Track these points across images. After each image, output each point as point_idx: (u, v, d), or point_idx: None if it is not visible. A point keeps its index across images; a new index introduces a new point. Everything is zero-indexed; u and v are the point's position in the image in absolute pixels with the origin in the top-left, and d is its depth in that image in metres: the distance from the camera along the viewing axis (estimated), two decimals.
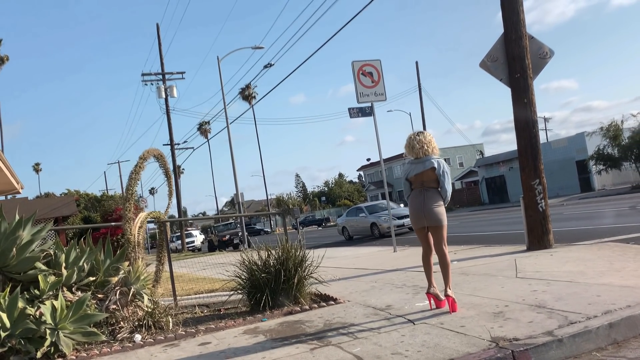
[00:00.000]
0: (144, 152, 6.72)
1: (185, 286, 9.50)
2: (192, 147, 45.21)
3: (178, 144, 39.70)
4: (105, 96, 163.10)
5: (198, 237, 47.76)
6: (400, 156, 66.16)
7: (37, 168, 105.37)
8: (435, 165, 5.30)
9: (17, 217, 5.74)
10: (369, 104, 12.93)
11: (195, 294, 8.28)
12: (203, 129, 70.28)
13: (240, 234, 33.05)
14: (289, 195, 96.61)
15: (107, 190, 69.85)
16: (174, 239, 43.01)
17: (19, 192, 22.02)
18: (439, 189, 5.35)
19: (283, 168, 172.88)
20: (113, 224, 13.12)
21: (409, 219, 18.85)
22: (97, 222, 28.38)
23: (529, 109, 9.21)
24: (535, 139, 9.27)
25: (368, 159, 76.68)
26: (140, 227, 6.29)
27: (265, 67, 23.28)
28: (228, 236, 34.27)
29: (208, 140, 69.53)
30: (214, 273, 12.03)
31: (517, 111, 9.32)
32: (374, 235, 21.34)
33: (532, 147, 9.23)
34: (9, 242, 5.48)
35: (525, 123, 9.26)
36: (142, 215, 6.51)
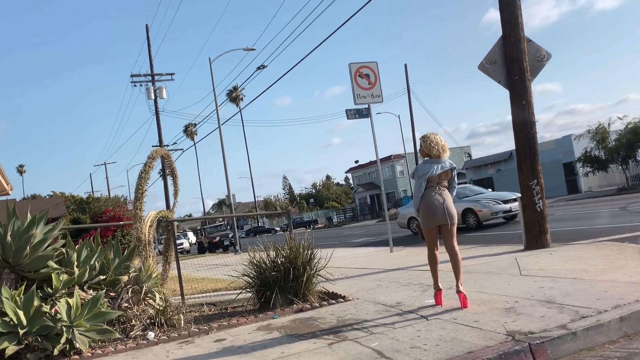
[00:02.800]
0: (152, 152, 6.77)
1: (188, 286, 9.52)
2: (182, 149, 45.15)
3: (167, 146, 39.61)
4: (93, 98, 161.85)
5: (191, 239, 47.69)
6: (389, 158, 66.44)
7: (21, 170, 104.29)
8: (455, 166, 5.60)
9: (30, 216, 5.76)
10: (366, 106, 13.05)
11: (199, 293, 8.32)
12: (189, 131, 70.01)
13: (230, 235, 32.99)
14: (276, 197, 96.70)
15: (92, 192, 69.29)
16: (162, 241, 42.83)
17: (8, 194, 21.84)
18: (449, 189, 5.54)
19: (269, 170, 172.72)
20: (122, 222, 13.09)
21: (516, 204, 15.70)
22: (86, 224, 28.18)
23: (527, 111, 9.38)
24: (533, 140, 9.44)
25: (356, 161, 76.99)
26: (150, 226, 6.33)
27: (259, 68, 23.34)
28: (218, 238, 34.18)
29: (195, 144, 69.31)
30: (212, 274, 12.08)
31: (516, 113, 9.48)
32: (468, 226, 17.27)
33: (530, 148, 9.40)
34: (23, 241, 5.49)
35: (524, 124, 9.42)
36: (152, 213, 6.56)
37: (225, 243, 33.43)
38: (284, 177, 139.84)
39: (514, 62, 9.39)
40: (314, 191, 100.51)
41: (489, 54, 9.66)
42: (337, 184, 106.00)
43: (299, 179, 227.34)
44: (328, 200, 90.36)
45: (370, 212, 65.93)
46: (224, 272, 11.82)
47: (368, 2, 13.45)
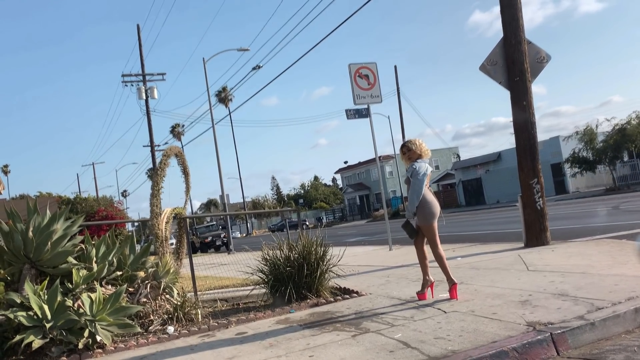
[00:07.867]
0: (166, 150, 6.85)
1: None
2: None
3: (158, 146, 39.49)
4: (83, 99, 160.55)
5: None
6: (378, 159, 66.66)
7: (5, 170, 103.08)
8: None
9: (49, 213, 5.82)
10: (365, 106, 13.19)
11: (208, 290, 8.39)
12: (176, 131, 69.76)
13: (223, 235, 32.97)
14: (264, 198, 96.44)
15: (80, 192, 68.74)
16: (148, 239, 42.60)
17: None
18: None
19: (256, 171, 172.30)
20: (141, 219, 13.08)
21: None
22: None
23: (527, 111, 9.58)
24: (533, 140, 9.63)
25: (345, 162, 77.25)
26: (167, 223, 6.41)
27: (254, 69, 23.44)
28: (210, 238, 34.12)
29: (183, 146, 68.92)
30: (213, 272, 12.19)
31: (516, 113, 9.67)
32: None
33: (531, 147, 9.60)
34: (44, 237, 5.55)
35: (524, 124, 9.62)
36: (167, 210, 6.64)
37: (218, 243, 33.40)
38: (273, 178, 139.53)
39: (514, 64, 9.58)
40: (302, 192, 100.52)
41: (490, 55, 9.84)
42: (325, 184, 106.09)
43: (286, 180, 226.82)
44: (316, 200, 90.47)
45: (359, 213, 66.18)
46: (224, 271, 11.93)
47: (367, 2, 13.59)
